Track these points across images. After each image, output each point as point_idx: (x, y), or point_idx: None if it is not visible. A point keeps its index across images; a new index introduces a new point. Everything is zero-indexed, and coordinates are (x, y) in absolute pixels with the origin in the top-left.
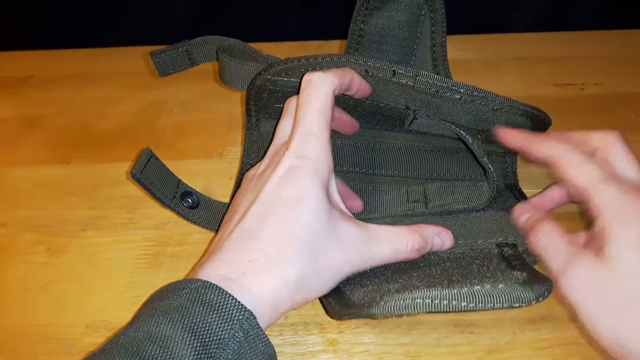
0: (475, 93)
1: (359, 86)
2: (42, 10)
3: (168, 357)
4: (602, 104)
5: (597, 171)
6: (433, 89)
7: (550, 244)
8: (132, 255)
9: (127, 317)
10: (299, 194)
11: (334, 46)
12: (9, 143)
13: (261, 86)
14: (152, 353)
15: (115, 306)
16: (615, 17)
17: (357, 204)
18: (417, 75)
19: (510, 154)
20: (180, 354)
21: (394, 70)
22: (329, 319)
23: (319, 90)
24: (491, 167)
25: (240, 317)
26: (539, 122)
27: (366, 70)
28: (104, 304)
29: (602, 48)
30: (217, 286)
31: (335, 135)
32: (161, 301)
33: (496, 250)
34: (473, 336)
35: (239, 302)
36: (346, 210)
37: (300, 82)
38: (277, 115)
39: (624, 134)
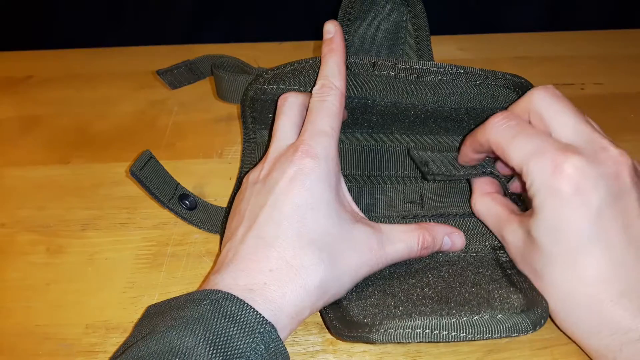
0: (455, 70)
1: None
2: (42, 10)
3: None
4: (601, 104)
5: (527, 146)
6: (414, 75)
7: (488, 209)
8: (131, 255)
9: (126, 317)
10: (311, 198)
11: None
12: (8, 143)
13: (254, 96)
14: None
15: (115, 306)
16: (615, 17)
17: None
18: (396, 64)
19: None
20: None
21: (374, 62)
22: None
23: (335, 92)
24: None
25: (262, 330)
26: (524, 92)
27: (347, 67)
28: (104, 304)
29: (602, 48)
30: (238, 298)
31: None
32: (180, 311)
33: (491, 254)
34: None
35: (261, 314)
36: (358, 211)
37: (293, 89)
38: (271, 124)
39: (623, 134)
